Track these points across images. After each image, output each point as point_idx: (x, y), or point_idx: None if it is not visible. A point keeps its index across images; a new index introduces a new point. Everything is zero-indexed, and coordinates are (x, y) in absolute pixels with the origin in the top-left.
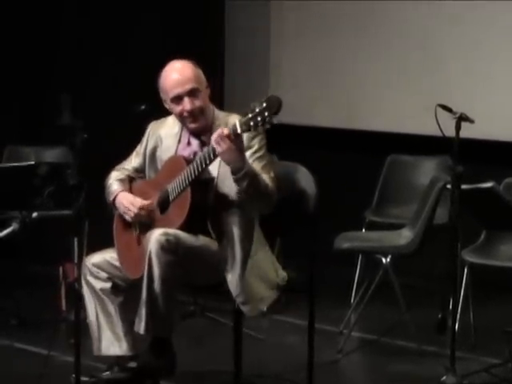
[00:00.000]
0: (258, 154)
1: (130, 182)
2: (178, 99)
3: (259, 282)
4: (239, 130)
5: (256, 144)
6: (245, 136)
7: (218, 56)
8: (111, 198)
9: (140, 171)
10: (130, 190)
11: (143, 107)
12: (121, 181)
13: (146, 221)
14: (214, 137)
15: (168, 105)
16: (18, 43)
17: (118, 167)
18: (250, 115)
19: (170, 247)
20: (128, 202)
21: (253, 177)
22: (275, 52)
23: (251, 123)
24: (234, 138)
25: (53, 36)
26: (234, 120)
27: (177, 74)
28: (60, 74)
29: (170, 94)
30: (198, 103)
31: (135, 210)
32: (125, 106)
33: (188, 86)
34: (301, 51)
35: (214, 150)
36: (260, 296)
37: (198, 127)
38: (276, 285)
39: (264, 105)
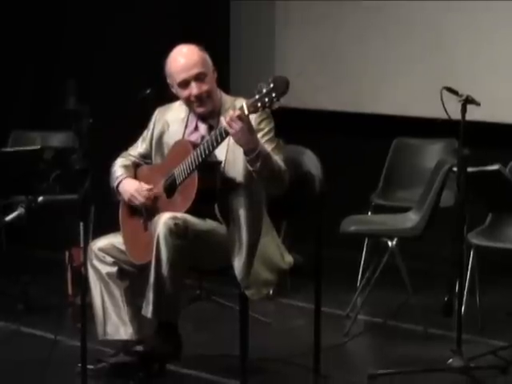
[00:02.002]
0: (267, 137)
1: (135, 168)
2: (184, 84)
3: (264, 266)
4: (246, 112)
5: (265, 127)
6: (252, 120)
7: (224, 44)
8: (115, 184)
9: (146, 157)
10: (135, 176)
11: (148, 91)
12: (125, 167)
13: (152, 207)
14: (226, 119)
15: (175, 90)
16: (23, 29)
17: (123, 154)
18: (257, 96)
19: (178, 231)
20: (133, 190)
21: (266, 157)
22: (280, 38)
23: (258, 104)
24: (245, 118)
25: (58, 22)
26: (242, 103)
27: (183, 59)
28: (65, 60)
29: (177, 79)
30: (204, 87)
31: (141, 199)
32: (130, 91)
33: (194, 71)
34: (306, 36)
35: (221, 132)
36: (264, 280)
37: (206, 111)
38: (281, 269)
39: (271, 85)
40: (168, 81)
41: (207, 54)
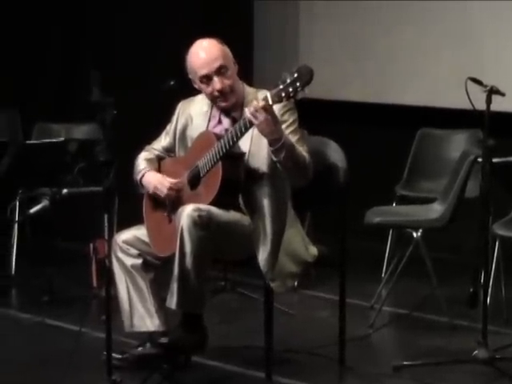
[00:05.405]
0: (291, 128)
1: (159, 162)
2: (207, 79)
3: (289, 258)
4: (271, 102)
5: (289, 118)
6: (276, 110)
7: (248, 33)
8: (138, 177)
9: (170, 150)
10: (159, 169)
11: (172, 83)
12: (149, 160)
13: (176, 199)
14: (250, 110)
15: (197, 85)
16: (46, 20)
17: (147, 148)
18: (281, 86)
19: (202, 223)
20: (157, 182)
21: (290, 148)
22: (305, 27)
23: (282, 94)
24: (269, 109)
25: (81, 12)
26: (265, 94)
27: (203, 54)
28: (89, 51)
29: (199, 74)
30: (227, 81)
31: (164, 191)
32: (154, 82)
33: (216, 65)
34: (331, 26)
35: (246, 123)
36: (289, 272)
37: (229, 105)
38: (306, 261)
39: (295, 75)
40: (190, 76)
41: (227, 47)
